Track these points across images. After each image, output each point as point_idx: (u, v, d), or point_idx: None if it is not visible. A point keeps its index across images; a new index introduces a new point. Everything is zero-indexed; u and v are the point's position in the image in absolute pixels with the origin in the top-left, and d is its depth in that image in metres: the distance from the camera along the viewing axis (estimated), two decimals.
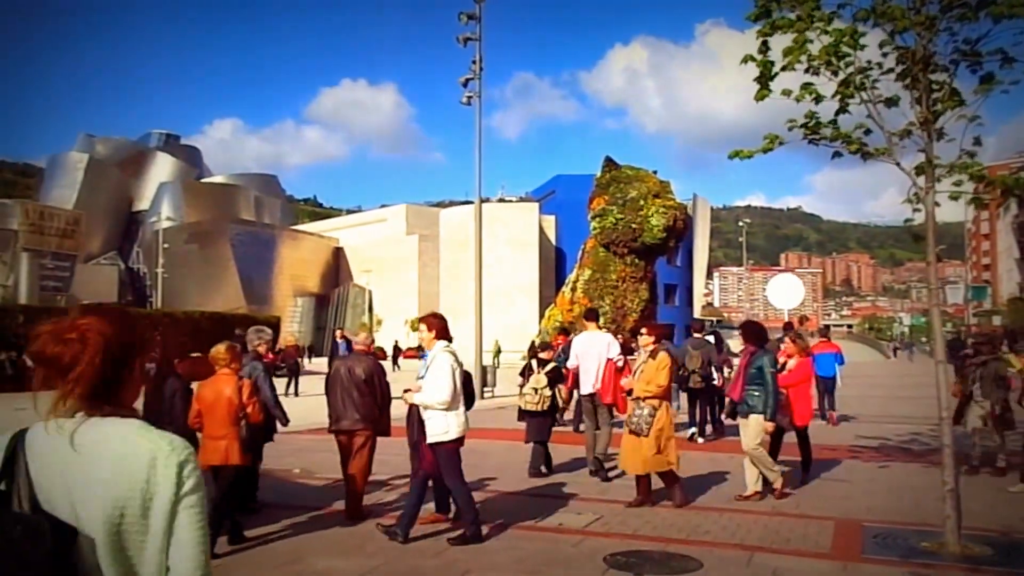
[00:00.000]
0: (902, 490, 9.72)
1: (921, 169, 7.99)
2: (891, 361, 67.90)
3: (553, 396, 10.82)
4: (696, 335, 14.96)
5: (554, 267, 68.92)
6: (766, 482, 9.24)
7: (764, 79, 8.32)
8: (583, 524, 7.93)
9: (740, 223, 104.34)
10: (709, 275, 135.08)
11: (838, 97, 8.45)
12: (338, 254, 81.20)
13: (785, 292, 23.78)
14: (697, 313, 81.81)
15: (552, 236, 71.72)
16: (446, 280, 67.24)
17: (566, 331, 19.30)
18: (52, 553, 1.64)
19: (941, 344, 7.47)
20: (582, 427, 12.49)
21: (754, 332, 9.85)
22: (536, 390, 10.77)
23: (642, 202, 44.44)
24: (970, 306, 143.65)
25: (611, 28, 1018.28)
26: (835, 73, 8.38)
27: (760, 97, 8.34)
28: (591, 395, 11.01)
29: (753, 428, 9.04)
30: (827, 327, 22.68)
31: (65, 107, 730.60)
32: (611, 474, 10.50)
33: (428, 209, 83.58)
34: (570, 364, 11.62)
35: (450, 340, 7.45)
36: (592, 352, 11.06)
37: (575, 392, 12.11)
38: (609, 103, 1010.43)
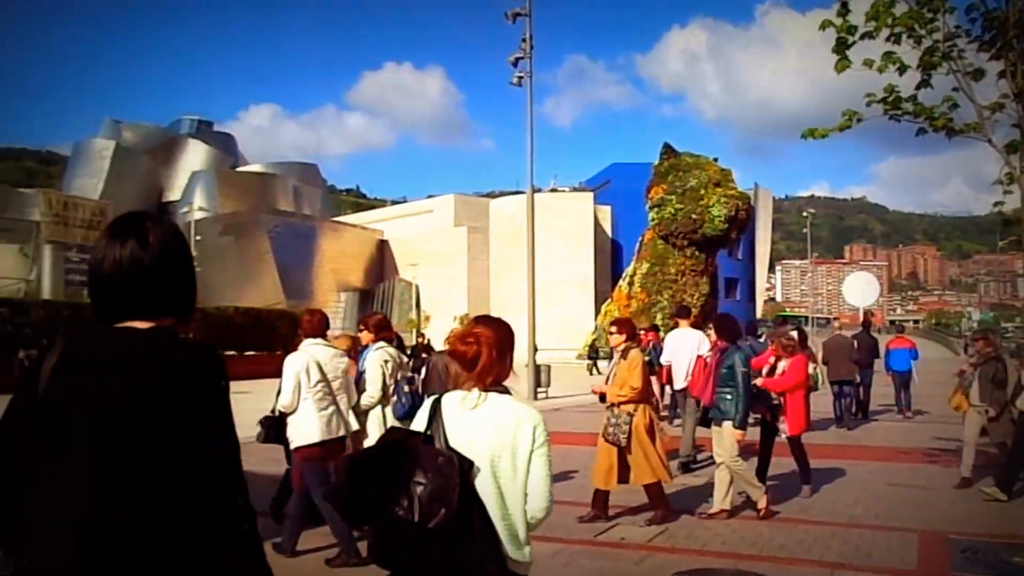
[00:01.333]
0: (975, 498, 9.29)
1: (1014, 146, 7.57)
2: (962, 358, 66.26)
3: None
4: (781, 327, 16.27)
5: (610, 260, 68.30)
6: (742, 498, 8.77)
7: (843, 47, 7.92)
8: (647, 538, 7.62)
9: (804, 214, 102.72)
10: (771, 268, 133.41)
11: (921, 69, 8.05)
12: (383, 247, 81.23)
13: (861, 289, 23.52)
14: (759, 308, 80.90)
15: (608, 227, 71.10)
16: (496, 274, 67.00)
17: (656, 328, 19.64)
18: (462, 472, 2.70)
19: None
20: (676, 422, 13.58)
21: (726, 327, 8.87)
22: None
23: (702, 191, 44.06)
24: None
25: (669, 9, 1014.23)
26: (918, 41, 7.98)
27: (841, 68, 7.97)
28: (683, 389, 11.72)
29: (728, 437, 8.14)
30: (902, 324, 23.65)
31: (91, 92, 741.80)
32: (693, 465, 11.13)
33: (477, 200, 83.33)
34: (663, 360, 12.22)
35: (390, 340, 7.76)
36: (684, 348, 11.69)
37: (667, 387, 13.27)
38: (666, 88, 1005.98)
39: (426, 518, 2.62)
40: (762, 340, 16.20)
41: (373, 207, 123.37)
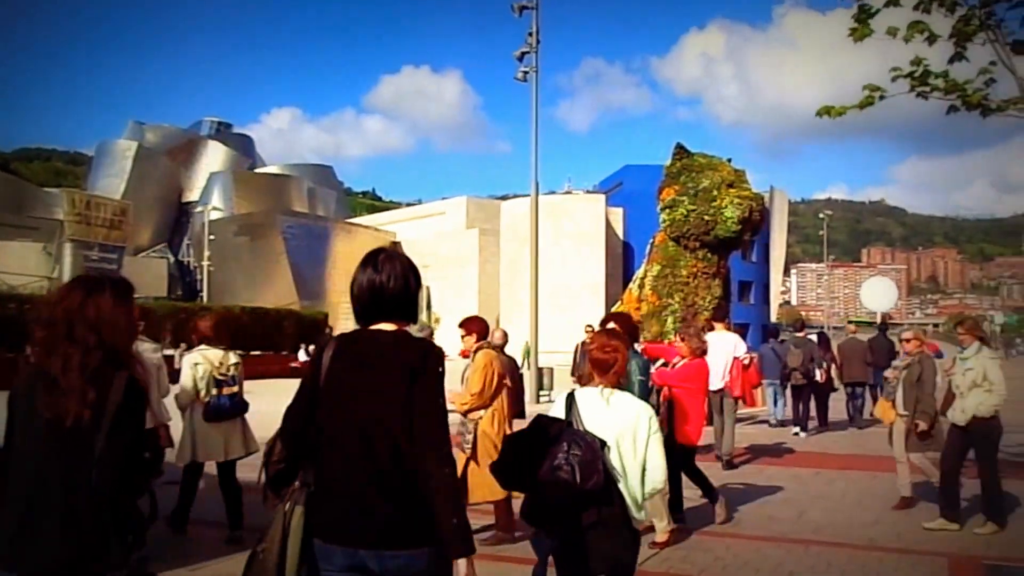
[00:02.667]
0: (1013, 511, 8.39)
1: None
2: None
3: None
4: (798, 334, 16.98)
5: (622, 262, 67.50)
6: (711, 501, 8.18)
7: (865, 14, 7.04)
8: (639, 560, 6.74)
9: (821, 215, 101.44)
10: (786, 272, 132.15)
11: (954, 40, 7.18)
12: (395, 248, 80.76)
13: (879, 294, 24.35)
14: (774, 312, 79.75)
15: (620, 230, 70.31)
16: (507, 276, 66.17)
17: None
18: (589, 449, 3.62)
19: None
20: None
21: (623, 329, 7.05)
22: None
23: (715, 192, 42.71)
24: None
25: (686, 11, 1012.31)
26: (951, 9, 7.10)
27: (859, 36, 7.11)
28: (719, 391, 11.85)
29: None
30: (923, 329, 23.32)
31: (117, 94, 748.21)
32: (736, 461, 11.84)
33: (489, 202, 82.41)
34: None
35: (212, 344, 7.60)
36: (720, 350, 11.78)
37: None
38: (683, 91, 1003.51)
39: (585, 481, 3.54)
40: (783, 343, 15.92)
41: (388, 210, 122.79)
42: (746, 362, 12.26)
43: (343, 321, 66.49)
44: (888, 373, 9.31)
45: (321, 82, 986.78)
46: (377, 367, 2.88)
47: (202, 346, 7.35)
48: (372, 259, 3.05)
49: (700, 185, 45.64)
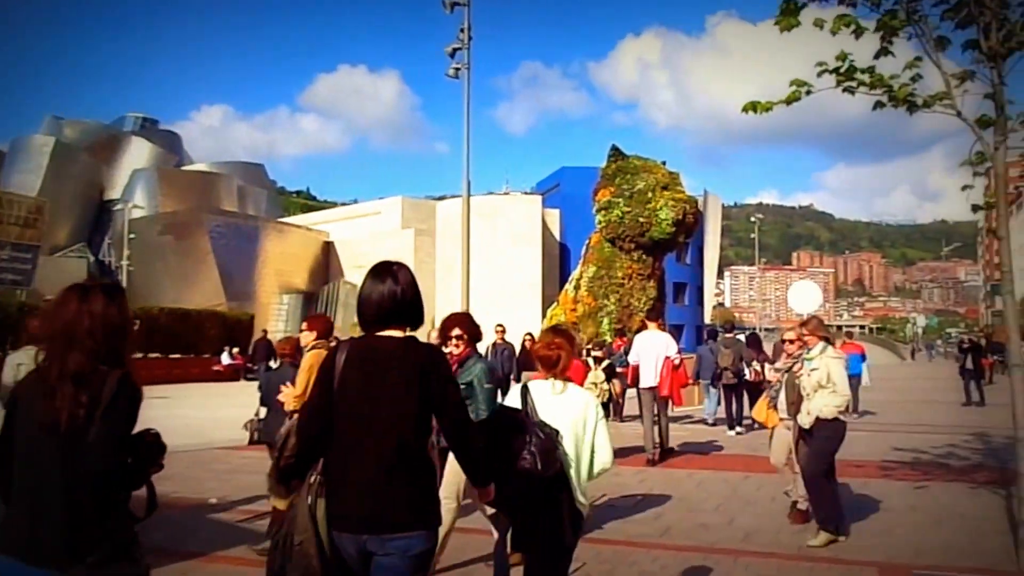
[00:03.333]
0: (952, 520, 8.27)
1: (988, 121, 6.53)
2: (909, 363, 66.35)
3: (609, 389, 13.23)
4: (727, 335, 17.14)
5: (558, 264, 67.63)
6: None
7: (792, 6, 6.82)
8: None
9: (752, 219, 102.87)
10: (720, 274, 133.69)
11: (880, 34, 7.00)
12: (328, 248, 79.51)
13: (804, 297, 25.28)
14: (708, 313, 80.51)
15: (556, 231, 70.43)
16: (442, 277, 65.70)
17: (623, 332, 21.48)
18: (549, 438, 3.89)
19: (1017, 343, 6.00)
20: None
21: (470, 327, 6.52)
22: (596, 384, 12.94)
23: (650, 194, 42.88)
24: (984, 307, 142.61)
25: (623, 17, 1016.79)
26: (877, 3, 6.92)
27: (785, 26, 6.86)
28: (651, 388, 12.18)
29: (454, 473, 5.80)
30: (849, 331, 25.43)
31: (34, 88, 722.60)
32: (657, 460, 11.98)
33: (425, 202, 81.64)
34: (631, 360, 12.80)
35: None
36: (652, 350, 12.25)
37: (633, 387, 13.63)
38: (620, 96, 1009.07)
39: (546, 468, 3.84)
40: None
41: (323, 209, 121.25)
42: (676, 362, 12.36)
43: (272, 322, 65.32)
44: (770, 375, 8.73)
45: (254, 79, 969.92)
46: (391, 370, 3.23)
47: (29, 346, 6.84)
48: (387, 270, 3.43)
49: (635, 187, 45.76)
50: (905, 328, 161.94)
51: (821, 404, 7.32)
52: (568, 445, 4.07)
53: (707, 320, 76.37)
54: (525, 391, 4.21)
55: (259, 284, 70.36)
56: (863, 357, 19.48)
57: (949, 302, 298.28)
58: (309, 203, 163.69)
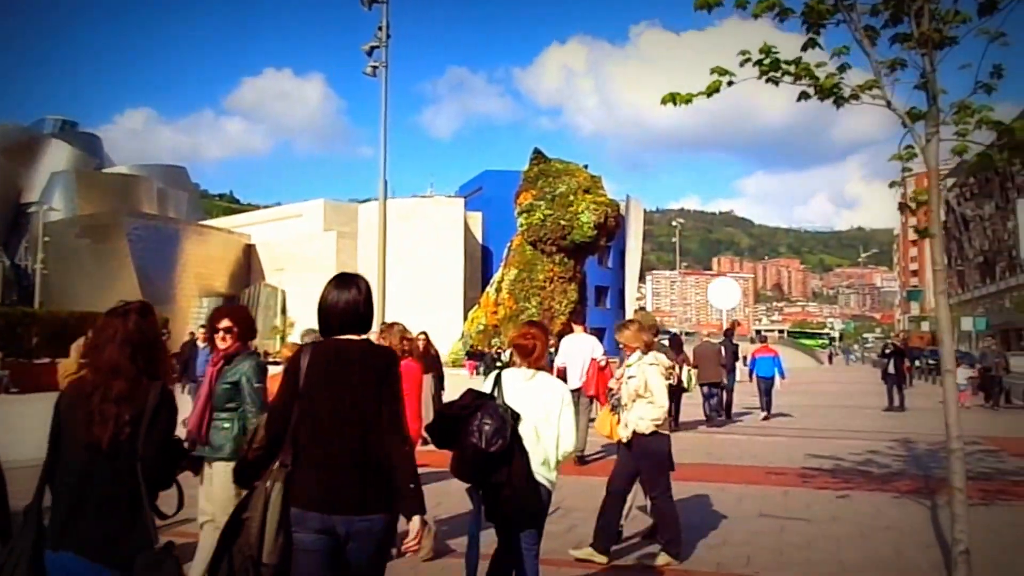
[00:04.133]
0: (876, 532, 7.83)
1: (919, 114, 6.09)
2: (827, 367, 67.27)
3: None
4: (655, 338, 15.79)
5: (480, 266, 67.19)
6: None
7: None
8: None
9: (674, 223, 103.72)
10: (642, 278, 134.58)
11: (806, 24, 6.53)
12: (249, 251, 77.86)
13: (724, 294, 25.38)
14: (630, 316, 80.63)
15: (479, 234, 69.93)
16: (367, 280, 64.83)
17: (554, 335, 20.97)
18: (512, 420, 4.38)
19: (950, 346, 5.55)
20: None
21: (242, 321, 5.53)
22: None
23: (572, 197, 42.85)
24: (900, 312, 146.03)
25: (548, 25, 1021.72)
26: None
27: (703, 4, 6.33)
28: (576, 390, 11.84)
29: (220, 487, 5.13)
30: (765, 335, 25.98)
31: None
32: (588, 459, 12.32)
33: (347, 205, 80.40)
34: (558, 362, 12.81)
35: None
36: (578, 351, 12.38)
37: None
38: (545, 102, 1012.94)
39: (489, 446, 4.34)
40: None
41: (246, 212, 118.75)
42: (602, 363, 12.35)
43: (192, 326, 63.46)
44: (611, 382, 7.78)
45: (178, 83, 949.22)
46: (351, 369, 3.54)
47: None
48: (351, 282, 3.74)
49: (557, 190, 45.31)
50: (822, 333, 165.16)
51: (637, 416, 6.69)
52: (529, 427, 4.59)
53: None
54: (498, 378, 4.78)
55: (179, 287, 68.48)
56: (776, 360, 19.73)
57: (865, 307, 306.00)
58: (232, 206, 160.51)
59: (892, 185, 6.63)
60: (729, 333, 20.83)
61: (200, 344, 13.91)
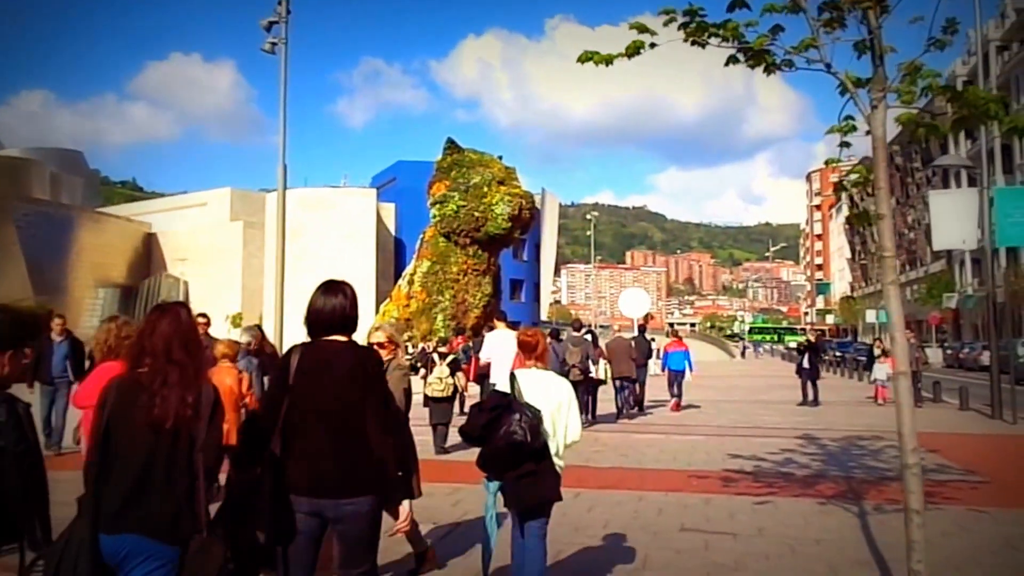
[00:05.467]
0: (805, 545, 7.14)
1: (862, 81, 5.38)
2: (739, 361, 67.82)
3: (455, 383, 13.51)
4: (576, 333, 17.06)
5: (393, 259, 65.96)
6: None
7: None
8: None
9: (588, 216, 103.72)
10: (557, 272, 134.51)
11: None
12: (150, 240, 75.08)
13: (634, 303, 27.35)
14: (545, 310, 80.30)
15: (391, 226, 68.59)
16: (272, 271, 62.93)
17: (462, 331, 22.82)
18: (534, 416, 4.73)
19: (903, 344, 4.83)
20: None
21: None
22: (441, 379, 13.29)
23: (486, 189, 41.85)
24: (806, 305, 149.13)
25: (464, 18, 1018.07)
26: None
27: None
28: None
29: None
30: (676, 329, 26.20)
31: None
32: None
33: (255, 194, 77.96)
34: (483, 357, 13.46)
35: None
36: (504, 347, 12.27)
37: (481, 381, 14.42)
38: (461, 94, 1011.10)
39: (533, 440, 4.72)
40: (561, 342, 16.13)
41: (148, 200, 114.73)
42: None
43: (87, 317, 60.80)
44: None
45: (78, 65, 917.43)
46: (338, 366, 3.93)
47: None
48: (338, 288, 4.13)
49: (471, 181, 44.22)
50: (733, 325, 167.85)
51: None
52: (547, 422, 4.92)
53: (544, 317, 76.19)
54: (513, 378, 5.11)
55: (72, 277, 65.50)
56: (686, 354, 20.58)
57: (773, 301, 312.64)
58: (135, 194, 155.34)
59: (841, 146, 5.89)
60: (642, 329, 21.39)
61: (56, 338, 12.57)
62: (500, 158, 43.58)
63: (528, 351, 5.32)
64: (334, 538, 3.92)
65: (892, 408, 18.47)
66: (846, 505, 8.75)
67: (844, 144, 5.78)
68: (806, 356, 21.69)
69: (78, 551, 3.24)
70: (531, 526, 5.01)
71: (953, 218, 16.70)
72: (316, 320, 4.04)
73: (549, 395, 5.07)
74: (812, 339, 23.40)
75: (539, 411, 4.85)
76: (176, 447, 3.35)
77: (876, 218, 5.01)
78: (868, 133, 5.54)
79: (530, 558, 5.00)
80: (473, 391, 16.36)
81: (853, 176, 6.06)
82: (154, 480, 3.31)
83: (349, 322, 4.07)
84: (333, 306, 4.04)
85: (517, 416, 4.74)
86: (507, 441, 4.70)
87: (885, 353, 21.27)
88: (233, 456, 4.07)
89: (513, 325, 14.92)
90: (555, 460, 5.00)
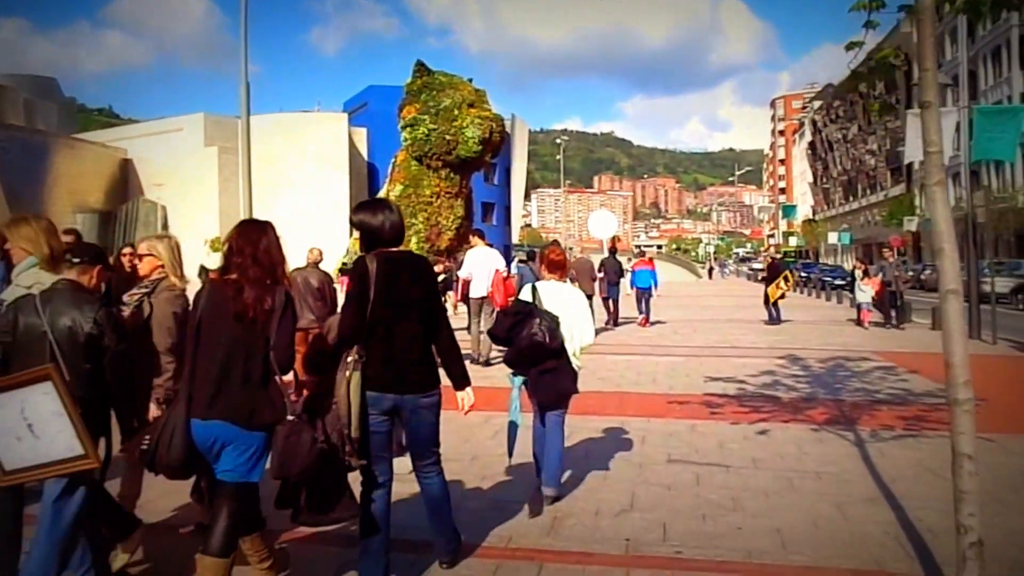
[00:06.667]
0: (805, 479, 6.28)
1: None
2: (706, 281, 67.33)
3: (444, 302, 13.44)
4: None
5: (366, 184, 64.42)
6: None
7: None
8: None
9: (558, 141, 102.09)
10: (527, 196, 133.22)
11: None
12: (127, 166, 72.77)
13: (602, 224, 27.87)
14: (516, 234, 79.28)
15: (364, 150, 66.89)
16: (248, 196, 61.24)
17: (442, 253, 22.41)
18: (552, 321, 5.41)
19: (952, 252, 3.88)
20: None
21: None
22: None
23: (456, 112, 40.29)
24: (769, 227, 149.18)
25: None
26: None
27: None
28: (481, 298, 13.19)
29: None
30: (643, 249, 28.21)
31: None
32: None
33: (229, 119, 75.04)
34: (462, 274, 13.81)
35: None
36: (483, 264, 13.21)
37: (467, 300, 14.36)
38: (432, 21, 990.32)
39: (552, 342, 5.37)
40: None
41: (123, 126, 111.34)
42: (505, 274, 13.25)
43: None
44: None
45: None
46: (410, 273, 4.21)
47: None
48: (386, 205, 4.42)
49: (441, 104, 42.83)
50: (697, 248, 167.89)
51: None
52: (566, 328, 5.54)
53: (515, 240, 75.29)
54: (534, 289, 5.68)
55: (50, 203, 63.26)
56: (652, 273, 21.39)
57: (736, 224, 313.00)
58: (111, 121, 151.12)
59: (851, 47, 4.85)
60: (613, 251, 21.72)
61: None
62: (470, 81, 42.08)
63: (556, 268, 5.91)
64: (404, 433, 4.30)
65: (873, 331, 17.80)
66: (841, 432, 7.95)
67: (869, 25, 4.73)
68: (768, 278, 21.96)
69: (173, 433, 3.64)
70: (551, 416, 5.71)
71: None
72: (376, 236, 4.22)
73: (566, 304, 5.68)
74: (774, 259, 23.83)
75: (557, 317, 5.51)
76: (254, 341, 3.71)
77: (922, 106, 3.99)
78: (901, 8, 4.54)
79: (551, 444, 5.68)
80: (461, 310, 16.88)
81: (884, 55, 4.98)
82: (235, 371, 3.68)
83: (402, 233, 4.34)
84: (392, 221, 4.26)
85: (538, 320, 5.41)
86: (530, 341, 5.38)
87: (867, 274, 20.45)
88: (311, 361, 4.42)
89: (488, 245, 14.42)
90: (572, 360, 5.64)
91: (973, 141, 16.21)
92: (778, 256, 30.25)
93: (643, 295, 20.90)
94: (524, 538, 5.03)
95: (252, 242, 3.84)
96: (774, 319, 20.79)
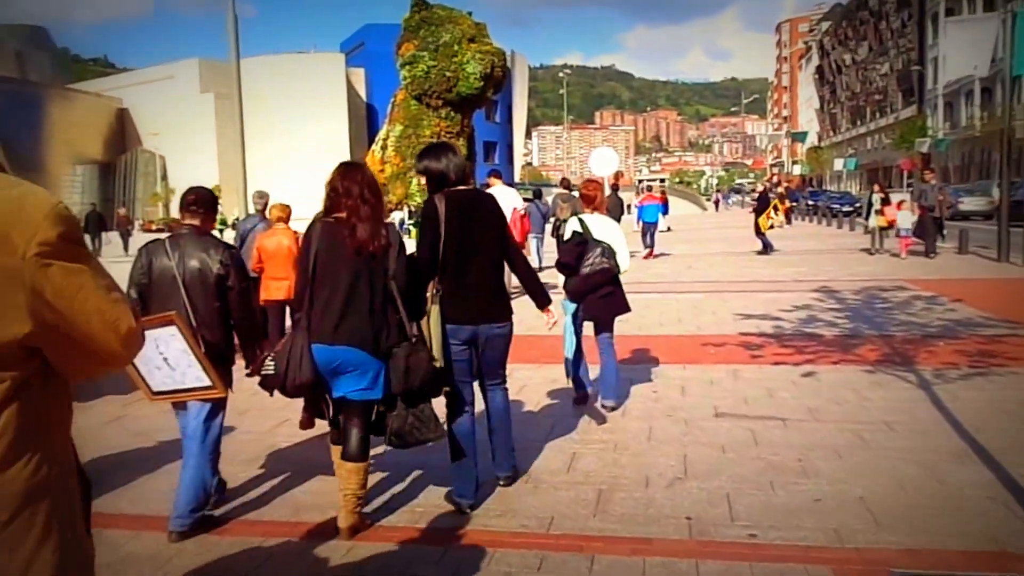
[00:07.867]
0: (876, 432, 5.48)
1: None
2: (712, 213, 66.27)
3: None
4: (564, 191, 17.67)
5: (366, 125, 63.21)
6: None
7: None
8: None
9: (561, 75, 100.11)
10: (528, 134, 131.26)
11: None
12: (123, 116, 71.42)
13: (603, 161, 27.06)
14: (517, 172, 78.04)
15: (362, 91, 65.45)
16: (247, 143, 60.02)
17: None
18: (607, 249, 6.04)
19: None
20: None
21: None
22: None
23: (456, 47, 38.93)
24: (772, 157, 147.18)
25: None
26: None
27: None
28: None
29: None
30: (650, 184, 27.92)
31: None
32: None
33: (224, 64, 73.23)
34: None
35: None
36: (502, 203, 10.80)
37: None
38: None
39: (610, 267, 5.98)
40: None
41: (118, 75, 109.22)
42: (522, 212, 12.86)
43: (67, 194, 58.14)
44: None
45: None
46: (480, 210, 4.41)
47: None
48: (448, 147, 4.48)
49: (440, 40, 41.16)
50: (700, 180, 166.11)
51: None
52: (608, 248, 6.05)
53: (516, 178, 74.19)
54: (582, 222, 6.17)
55: (47, 155, 62.18)
56: (664, 208, 22.50)
57: (738, 155, 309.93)
58: (106, 70, 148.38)
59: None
60: (615, 187, 21.45)
61: None
62: (470, 14, 40.71)
63: (590, 202, 6.41)
64: (478, 357, 4.44)
65: (905, 259, 16.77)
66: (899, 373, 7.15)
67: None
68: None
69: (301, 355, 3.84)
70: (603, 337, 6.34)
71: (968, 45, 14.68)
72: (443, 178, 4.36)
73: (608, 233, 6.19)
74: (764, 188, 24.19)
75: (609, 244, 6.03)
76: (374, 272, 3.94)
77: None
78: None
79: (606, 362, 6.30)
80: None
81: None
82: (359, 300, 3.91)
83: (466, 172, 4.48)
84: (455, 163, 4.39)
85: (599, 249, 5.98)
86: (600, 268, 5.95)
87: (887, 200, 19.10)
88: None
89: (484, 187, 13.71)
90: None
91: (1017, 49, 14.90)
92: (777, 186, 30.05)
93: (648, 228, 21.08)
94: (568, 520, 4.24)
95: (358, 183, 4.00)
96: (767, 248, 20.32)
